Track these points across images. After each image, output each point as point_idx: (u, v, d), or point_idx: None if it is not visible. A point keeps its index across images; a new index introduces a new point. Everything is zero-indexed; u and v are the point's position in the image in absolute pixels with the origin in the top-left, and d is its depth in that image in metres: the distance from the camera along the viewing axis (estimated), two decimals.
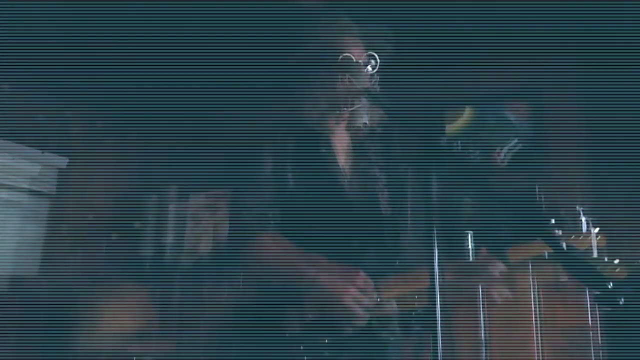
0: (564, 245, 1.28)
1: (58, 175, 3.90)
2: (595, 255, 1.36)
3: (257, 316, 1.40)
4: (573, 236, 1.38)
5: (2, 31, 3.04)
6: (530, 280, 1.46)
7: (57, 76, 3.50)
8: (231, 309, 1.52)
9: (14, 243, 3.64)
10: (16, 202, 3.68)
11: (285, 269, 1.40)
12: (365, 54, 1.48)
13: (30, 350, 3.26)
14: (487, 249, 1.43)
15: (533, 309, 2.84)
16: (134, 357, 3.43)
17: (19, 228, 3.68)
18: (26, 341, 3.27)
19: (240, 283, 1.45)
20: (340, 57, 1.46)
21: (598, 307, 2.68)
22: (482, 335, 2.84)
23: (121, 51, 3.24)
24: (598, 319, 2.74)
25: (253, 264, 1.47)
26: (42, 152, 3.75)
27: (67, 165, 3.90)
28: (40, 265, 3.71)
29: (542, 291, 2.83)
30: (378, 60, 1.47)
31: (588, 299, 2.75)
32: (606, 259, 1.34)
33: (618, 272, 1.33)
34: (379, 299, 1.35)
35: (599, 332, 2.72)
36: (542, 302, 2.84)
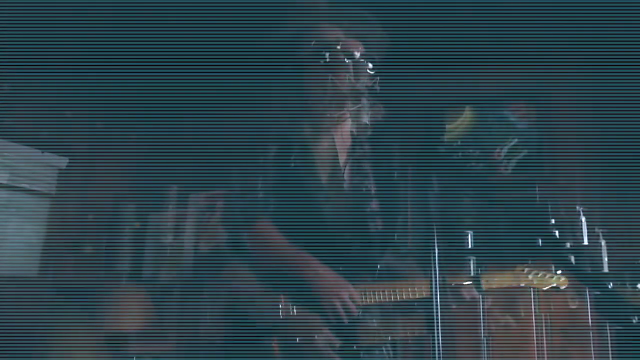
0: (572, 259, 1.35)
1: (58, 175, 3.89)
2: (606, 270, 1.44)
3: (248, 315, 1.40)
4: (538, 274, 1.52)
5: (2, 31, 3.04)
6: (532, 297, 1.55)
7: (57, 76, 3.49)
8: (222, 308, 1.51)
9: (13, 243, 3.64)
10: (16, 202, 3.68)
11: (280, 266, 1.40)
12: (350, 45, 1.47)
13: (30, 350, 3.25)
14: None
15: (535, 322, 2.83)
16: (134, 357, 3.43)
17: (18, 228, 3.68)
18: (25, 341, 3.27)
19: (235, 279, 1.43)
20: (313, 42, 1.46)
21: (609, 326, 2.66)
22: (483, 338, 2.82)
23: (121, 51, 3.24)
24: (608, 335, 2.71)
25: (250, 257, 1.46)
26: (42, 152, 3.75)
27: (67, 165, 3.90)
28: (40, 266, 3.71)
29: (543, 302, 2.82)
30: (361, 48, 1.46)
31: (589, 307, 2.73)
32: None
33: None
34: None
35: (609, 345, 2.69)
36: (545, 320, 2.83)
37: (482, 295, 1.47)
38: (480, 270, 1.48)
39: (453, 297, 1.43)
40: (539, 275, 1.50)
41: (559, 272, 1.51)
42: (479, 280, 1.45)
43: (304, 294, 1.35)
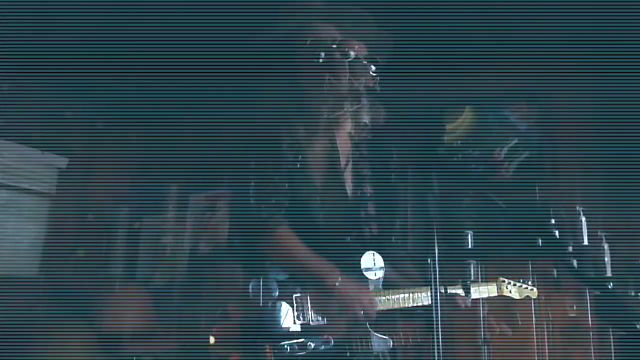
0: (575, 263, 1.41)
1: (58, 175, 3.89)
2: (609, 273, 1.52)
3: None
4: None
5: (2, 31, 3.04)
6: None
7: (57, 76, 3.49)
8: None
9: (13, 243, 3.64)
10: (16, 202, 3.68)
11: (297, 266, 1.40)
12: (347, 44, 1.47)
13: (29, 350, 3.25)
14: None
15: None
16: (134, 357, 3.43)
17: (18, 228, 3.67)
18: (25, 341, 3.27)
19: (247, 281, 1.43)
20: (309, 41, 1.46)
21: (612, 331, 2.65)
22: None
23: (120, 51, 3.24)
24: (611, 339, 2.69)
25: (264, 258, 1.45)
26: (42, 152, 3.75)
27: (67, 165, 3.90)
28: (40, 266, 3.71)
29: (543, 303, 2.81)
30: (359, 48, 1.46)
31: (589, 309, 2.71)
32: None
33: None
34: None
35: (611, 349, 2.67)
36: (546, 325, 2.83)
37: (480, 302, 1.52)
38: (470, 281, 1.54)
39: (450, 304, 1.46)
40: (516, 286, 1.65)
41: (530, 282, 1.67)
42: (469, 289, 1.50)
43: (314, 299, 1.35)
